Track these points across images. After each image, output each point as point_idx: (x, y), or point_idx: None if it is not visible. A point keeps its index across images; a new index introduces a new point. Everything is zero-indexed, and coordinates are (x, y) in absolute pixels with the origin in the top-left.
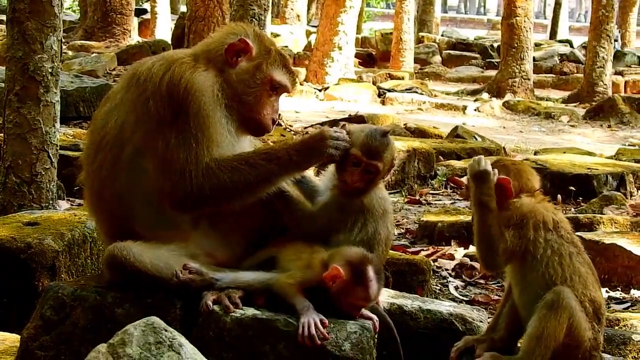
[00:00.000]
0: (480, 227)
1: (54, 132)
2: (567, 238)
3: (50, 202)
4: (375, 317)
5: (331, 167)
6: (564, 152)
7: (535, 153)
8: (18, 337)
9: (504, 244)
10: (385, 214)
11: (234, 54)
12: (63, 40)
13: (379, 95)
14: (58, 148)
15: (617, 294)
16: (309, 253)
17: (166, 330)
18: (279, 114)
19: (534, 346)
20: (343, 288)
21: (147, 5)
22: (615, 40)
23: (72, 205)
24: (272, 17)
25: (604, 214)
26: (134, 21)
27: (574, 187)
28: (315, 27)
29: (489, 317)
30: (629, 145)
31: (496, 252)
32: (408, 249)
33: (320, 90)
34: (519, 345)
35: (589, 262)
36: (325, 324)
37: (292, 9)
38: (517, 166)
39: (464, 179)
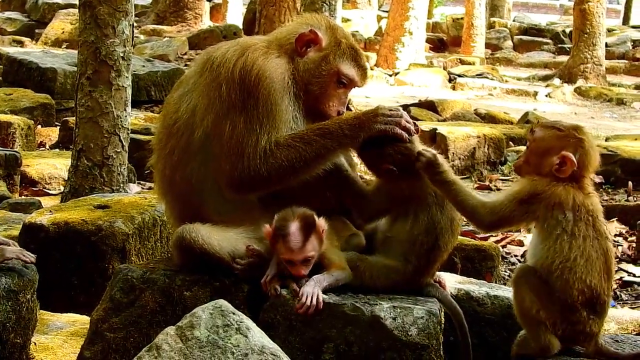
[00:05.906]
0: (454, 204)
1: (125, 116)
2: (588, 221)
3: (121, 185)
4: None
5: None
6: (636, 139)
7: (607, 139)
8: (88, 318)
9: (504, 212)
10: (441, 199)
11: (303, 43)
12: (135, 24)
13: (450, 81)
14: (129, 132)
15: None
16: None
17: (234, 314)
18: (348, 104)
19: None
20: (274, 244)
21: None
22: None
23: (142, 188)
24: (343, 2)
25: None
26: (206, 6)
27: None
28: (386, 12)
29: None
30: None
31: (479, 219)
32: (477, 235)
33: (390, 75)
34: None
35: (608, 250)
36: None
37: None
38: (588, 146)
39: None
